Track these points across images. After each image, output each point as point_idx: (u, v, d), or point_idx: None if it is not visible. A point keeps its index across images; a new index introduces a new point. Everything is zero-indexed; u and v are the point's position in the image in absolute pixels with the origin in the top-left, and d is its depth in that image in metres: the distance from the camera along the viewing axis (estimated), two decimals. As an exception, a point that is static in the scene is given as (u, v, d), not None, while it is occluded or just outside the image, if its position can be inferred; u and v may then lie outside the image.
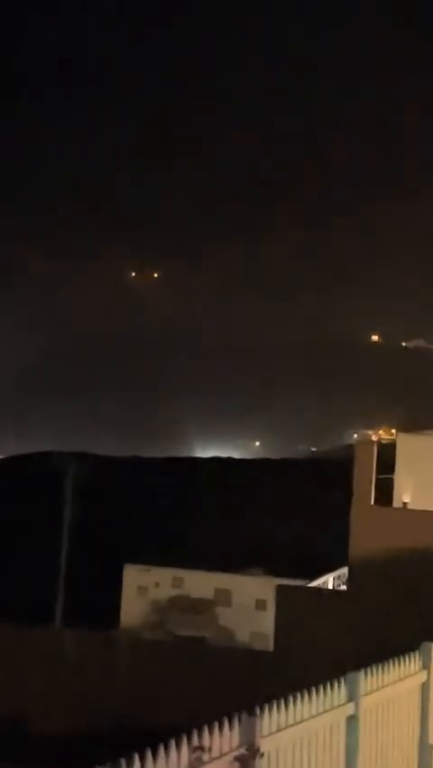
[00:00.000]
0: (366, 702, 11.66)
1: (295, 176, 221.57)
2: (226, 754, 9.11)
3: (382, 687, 12.16)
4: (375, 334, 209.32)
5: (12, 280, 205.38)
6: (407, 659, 12.96)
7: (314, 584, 37.15)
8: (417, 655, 13.27)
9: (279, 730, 9.94)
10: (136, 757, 8.03)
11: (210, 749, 8.85)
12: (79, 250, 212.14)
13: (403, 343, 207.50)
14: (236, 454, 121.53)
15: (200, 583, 50.54)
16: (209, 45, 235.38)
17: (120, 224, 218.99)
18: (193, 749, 8.64)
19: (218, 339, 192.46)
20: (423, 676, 13.31)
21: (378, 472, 26.57)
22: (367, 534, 24.97)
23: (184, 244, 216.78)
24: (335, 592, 32.42)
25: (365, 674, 11.75)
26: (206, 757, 8.74)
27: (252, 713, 9.56)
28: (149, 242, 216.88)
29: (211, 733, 8.95)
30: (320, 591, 33.28)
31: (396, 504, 27.17)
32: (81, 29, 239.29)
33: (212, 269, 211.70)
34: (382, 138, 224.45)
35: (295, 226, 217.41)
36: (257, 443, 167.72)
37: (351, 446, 37.15)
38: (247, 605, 48.36)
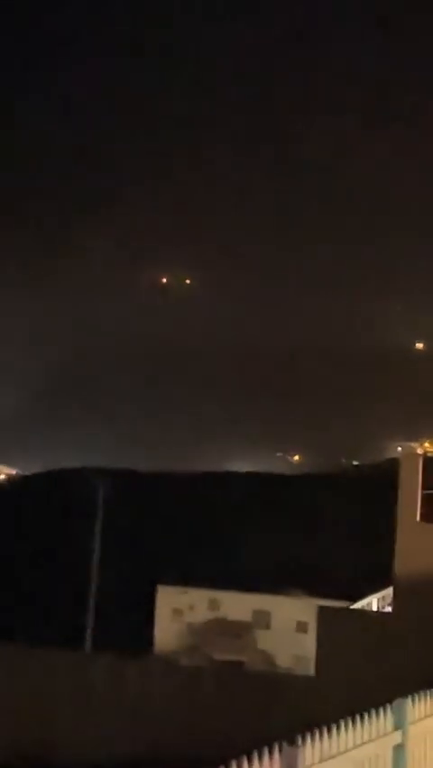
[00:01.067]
0: (414, 731, 11.54)
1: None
2: (267, 785, 9.09)
3: (431, 715, 12.07)
4: (420, 342, 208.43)
5: (41, 284, 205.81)
6: (457, 685, 12.87)
7: (357, 605, 37.11)
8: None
9: (321, 761, 9.87)
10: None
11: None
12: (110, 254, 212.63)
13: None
14: (275, 469, 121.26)
15: (238, 605, 50.59)
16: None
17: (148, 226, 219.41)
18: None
19: (254, 346, 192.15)
20: (474, 703, 13.17)
21: (424, 487, 26.45)
22: (413, 552, 24.84)
23: (217, 246, 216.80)
24: (379, 614, 32.33)
25: (413, 701, 11.64)
26: (245, 789, 8.73)
27: (293, 742, 9.52)
28: (180, 245, 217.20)
29: (251, 763, 8.93)
30: (364, 613, 33.21)
31: (444, 520, 27.03)
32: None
33: (248, 272, 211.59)
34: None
35: (338, 227, 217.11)
36: (296, 457, 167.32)
37: (395, 460, 37.04)
38: (287, 628, 48.37)
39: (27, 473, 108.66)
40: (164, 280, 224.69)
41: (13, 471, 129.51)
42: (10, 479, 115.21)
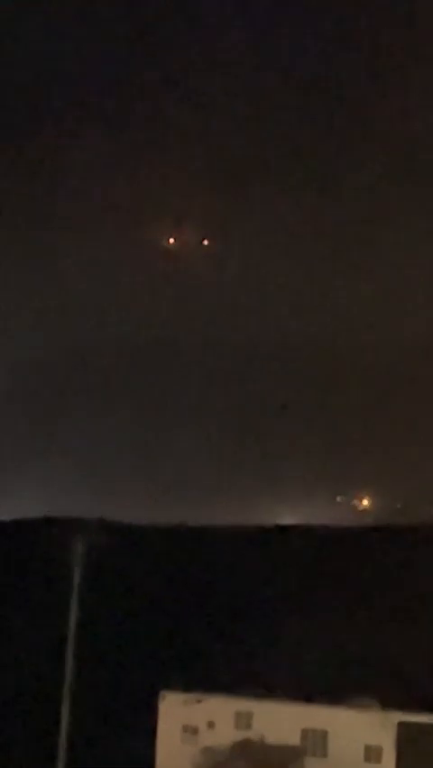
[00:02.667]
0: None
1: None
2: None
3: None
4: None
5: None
6: None
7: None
8: None
9: None
10: None
11: None
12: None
13: None
14: (333, 520, 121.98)
15: (279, 721, 50.86)
16: None
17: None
18: None
19: (298, 342, 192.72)
20: None
21: None
22: None
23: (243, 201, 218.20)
24: None
25: None
26: None
27: None
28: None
29: None
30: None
31: None
32: None
33: (290, 259, 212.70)
34: None
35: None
36: (365, 503, 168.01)
37: None
38: (352, 754, 48.59)
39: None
40: (171, 241, 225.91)
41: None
42: None
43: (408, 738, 25.59)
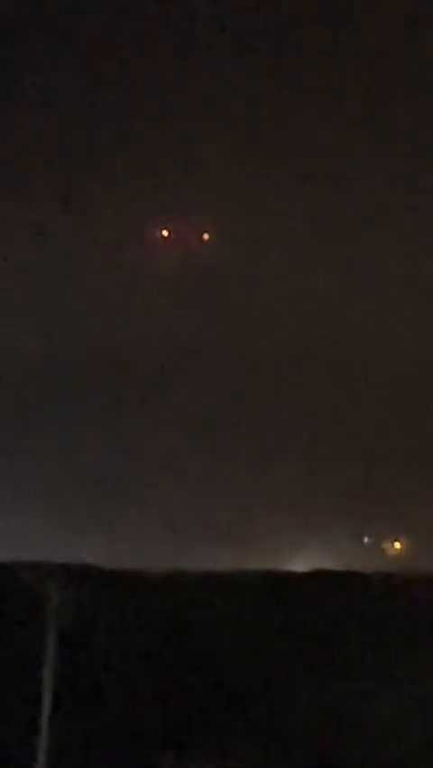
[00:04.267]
0: None
1: None
2: None
3: None
4: None
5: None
6: None
7: None
8: None
9: None
10: None
11: None
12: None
13: None
14: (362, 565, 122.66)
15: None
16: None
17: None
18: None
19: (312, 348, 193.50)
20: None
21: None
22: None
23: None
24: None
25: None
26: None
27: None
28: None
29: None
30: None
31: None
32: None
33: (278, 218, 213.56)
34: None
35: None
36: (397, 545, 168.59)
37: None
38: None
39: None
40: (165, 234, 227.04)
41: None
42: None
43: None
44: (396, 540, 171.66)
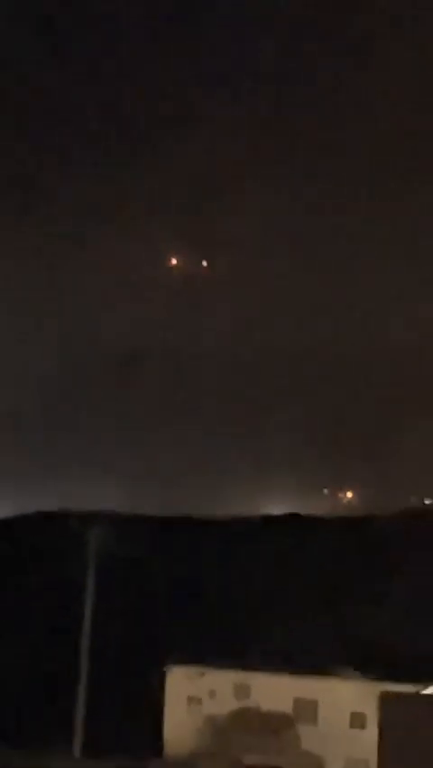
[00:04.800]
0: None
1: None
2: None
3: None
4: None
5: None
6: None
7: (430, 691, 37.49)
8: None
9: None
10: None
11: None
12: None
13: None
14: (320, 510, 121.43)
15: (274, 691, 51.01)
16: None
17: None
18: None
19: (290, 354, 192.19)
20: None
21: None
22: None
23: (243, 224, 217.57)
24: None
25: None
26: None
27: None
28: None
29: None
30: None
31: None
32: None
33: (264, 248, 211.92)
34: None
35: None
36: (349, 495, 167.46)
37: None
38: (339, 721, 48.74)
39: (4, 516, 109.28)
40: (174, 262, 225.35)
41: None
42: None
43: (389, 706, 25.84)
44: (348, 491, 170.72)
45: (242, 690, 51.44)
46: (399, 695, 30.68)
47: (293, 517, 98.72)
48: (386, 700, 27.15)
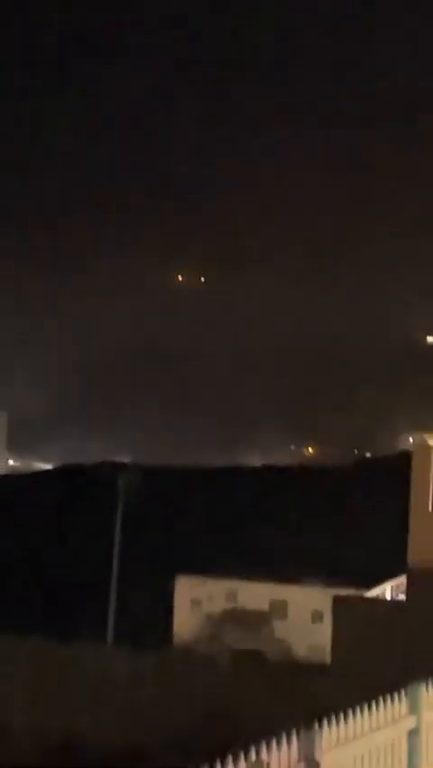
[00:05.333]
0: (430, 716, 11.53)
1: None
2: (286, 769, 9.14)
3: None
4: (432, 336, 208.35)
5: (62, 281, 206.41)
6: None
7: (372, 594, 37.04)
8: None
9: (339, 745, 9.91)
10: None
11: (269, 764, 8.88)
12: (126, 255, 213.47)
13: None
14: (289, 462, 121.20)
15: (255, 595, 50.64)
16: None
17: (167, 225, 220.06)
18: (252, 763, 8.68)
19: (266, 343, 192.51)
20: None
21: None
22: (426, 540, 24.89)
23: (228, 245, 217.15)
24: (393, 602, 32.29)
25: (427, 686, 11.62)
26: (265, 772, 8.77)
27: (311, 728, 9.56)
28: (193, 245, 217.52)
29: (270, 748, 8.97)
30: (378, 601, 33.14)
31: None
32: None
33: (257, 271, 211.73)
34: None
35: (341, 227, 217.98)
36: (311, 450, 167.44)
37: (407, 452, 36.95)
38: (303, 617, 48.40)
39: (54, 466, 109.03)
40: (180, 278, 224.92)
41: (45, 465, 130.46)
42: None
43: (340, 606, 25.57)
44: (309, 447, 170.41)
45: (231, 595, 51.09)
46: (347, 597, 30.29)
47: (268, 467, 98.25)
48: (337, 601, 26.78)
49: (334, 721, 9.88)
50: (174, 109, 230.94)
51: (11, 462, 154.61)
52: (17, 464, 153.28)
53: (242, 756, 8.63)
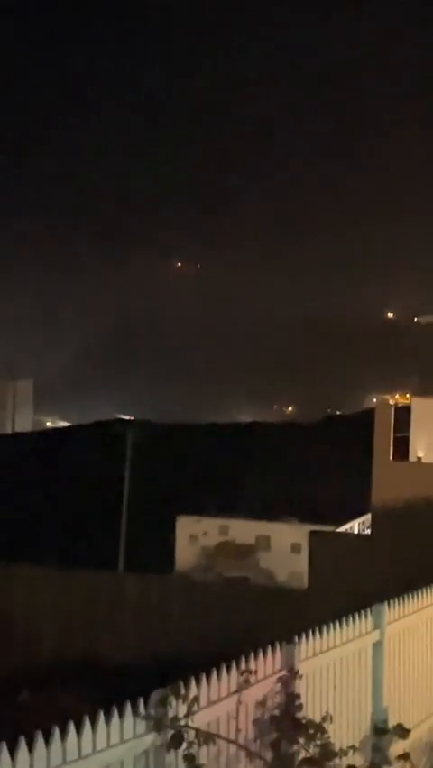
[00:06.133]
0: (390, 630, 11.70)
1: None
2: (270, 676, 9.22)
3: (404, 616, 12.20)
4: (391, 311, 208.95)
5: (72, 266, 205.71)
6: (425, 592, 13.00)
7: (342, 529, 37.21)
8: (433, 589, 13.30)
9: (314, 655, 10.02)
10: (192, 679, 8.14)
11: (256, 672, 8.95)
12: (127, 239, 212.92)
13: (416, 318, 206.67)
14: (272, 419, 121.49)
15: (243, 531, 50.76)
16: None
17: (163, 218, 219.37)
18: (241, 672, 8.75)
19: (253, 321, 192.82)
20: (439, 606, 13.32)
21: (395, 431, 26.53)
22: (387, 485, 24.97)
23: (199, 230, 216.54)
24: (360, 536, 32.43)
25: (389, 606, 11.79)
26: (252, 679, 8.84)
27: (291, 641, 9.65)
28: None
29: (256, 658, 9.05)
30: (347, 535, 33.32)
31: (411, 458, 27.18)
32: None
33: (237, 254, 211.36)
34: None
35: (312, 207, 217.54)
36: (290, 409, 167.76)
37: (371, 409, 37.01)
38: (284, 549, 48.50)
39: (72, 424, 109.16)
40: (179, 265, 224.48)
41: (65, 422, 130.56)
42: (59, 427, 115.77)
43: (315, 539, 25.69)
44: (289, 406, 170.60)
45: (223, 530, 51.15)
46: (321, 532, 30.39)
47: (256, 423, 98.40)
48: (313, 535, 26.88)
49: (311, 635, 10.00)
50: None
51: (37, 420, 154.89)
52: (42, 422, 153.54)
53: (233, 666, 8.68)
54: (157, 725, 7.54)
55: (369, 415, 32.03)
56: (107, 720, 7.11)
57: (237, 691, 8.61)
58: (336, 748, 9.68)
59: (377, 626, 11.42)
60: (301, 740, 9.33)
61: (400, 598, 12.24)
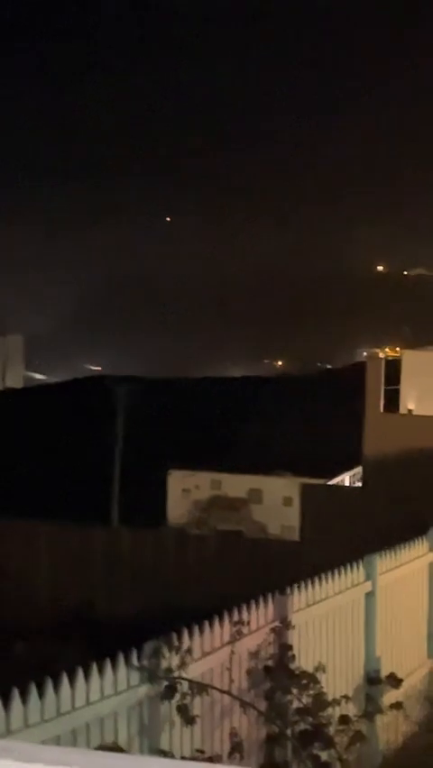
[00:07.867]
0: (382, 580, 11.73)
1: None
2: (263, 627, 9.23)
3: (395, 567, 12.23)
4: (381, 265, 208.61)
5: (63, 221, 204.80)
6: (416, 543, 13.02)
7: (333, 482, 37.28)
8: (424, 539, 13.32)
9: (307, 606, 10.03)
10: (185, 630, 8.13)
11: (249, 623, 8.95)
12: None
13: (405, 272, 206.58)
14: (263, 373, 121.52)
15: (235, 484, 50.82)
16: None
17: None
18: (234, 623, 8.74)
19: (245, 276, 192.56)
20: (431, 557, 13.37)
21: (386, 384, 26.52)
22: (378, 437, 24.98)
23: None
24: (351, 488, 32.51)
25: (380, 556, 11.80)
26: (245, 630, 8.85)
27: (284, 592, 9.65)
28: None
29: (250, 610, 9.05)
30: (339, 488, 33.40)
31: (402, 411, 27.19)
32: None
33: (226, 210, 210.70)
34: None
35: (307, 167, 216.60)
36: (280, 363, 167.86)
37: (362, 363, 36.95)
38: (276, 502, 48.58)
39: (63, 380, 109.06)
40: (168, 219, 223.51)
41: (56, 379, 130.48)
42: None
43: (306, 492, 25.73)
44: (279, 361, 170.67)
45: (216, 484, 51.15)
46: (312, 485, 30.46)
47: (247, 377, 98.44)
48: (305, 488, 26.93)
49: (303, 586, 9.99)
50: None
51: (28, 376, 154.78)
52: (33, 378, 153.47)
53: (226, 617, 8.68)
54: (150, 676, 7.54)
55: (359, 368, 32.00)
56: (101, 672, 7.10)
57: (231, 642, 8.62)
58: (330, 698, 9.72)
59: (369, 576, 11.44)
60: (295, 690, 9.36)
61: (392, 549, 12.25)
